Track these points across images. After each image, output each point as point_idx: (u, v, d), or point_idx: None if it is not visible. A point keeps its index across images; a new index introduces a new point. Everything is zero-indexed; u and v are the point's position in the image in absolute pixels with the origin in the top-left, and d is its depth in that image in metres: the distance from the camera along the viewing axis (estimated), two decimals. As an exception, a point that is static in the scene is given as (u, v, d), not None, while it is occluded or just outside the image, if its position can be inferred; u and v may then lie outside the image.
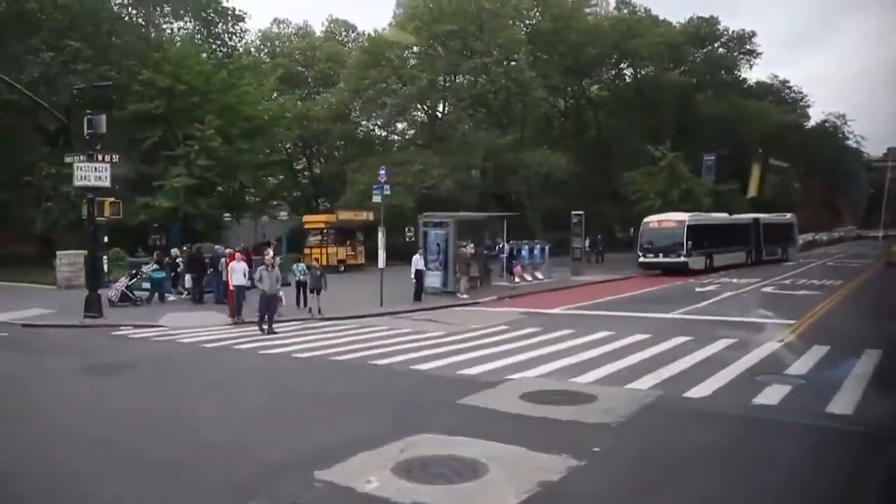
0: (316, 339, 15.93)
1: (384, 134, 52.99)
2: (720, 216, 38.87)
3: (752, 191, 53.72)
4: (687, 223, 33.00)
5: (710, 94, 57.61)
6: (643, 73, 54.38)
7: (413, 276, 23.85)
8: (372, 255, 27.82)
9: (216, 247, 25.28)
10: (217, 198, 41.39)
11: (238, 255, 19.84)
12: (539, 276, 31.09)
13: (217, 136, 40.23)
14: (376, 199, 22.93)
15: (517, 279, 27.87)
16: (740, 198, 51.26)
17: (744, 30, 57.82)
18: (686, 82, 53.30)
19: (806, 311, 19.20)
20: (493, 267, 28.80)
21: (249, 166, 43.65)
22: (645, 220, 35.20)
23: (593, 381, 11.07)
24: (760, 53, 57.83)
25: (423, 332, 16.92)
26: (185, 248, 26.28)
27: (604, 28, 53.37)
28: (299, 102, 49.68)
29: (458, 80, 45.49)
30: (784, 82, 71.66)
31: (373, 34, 48.25)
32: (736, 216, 40.22)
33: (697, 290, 26.14)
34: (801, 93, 71.66)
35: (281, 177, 52.91)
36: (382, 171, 23.07)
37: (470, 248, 25.71)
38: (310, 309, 20.27)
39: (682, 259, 32.54)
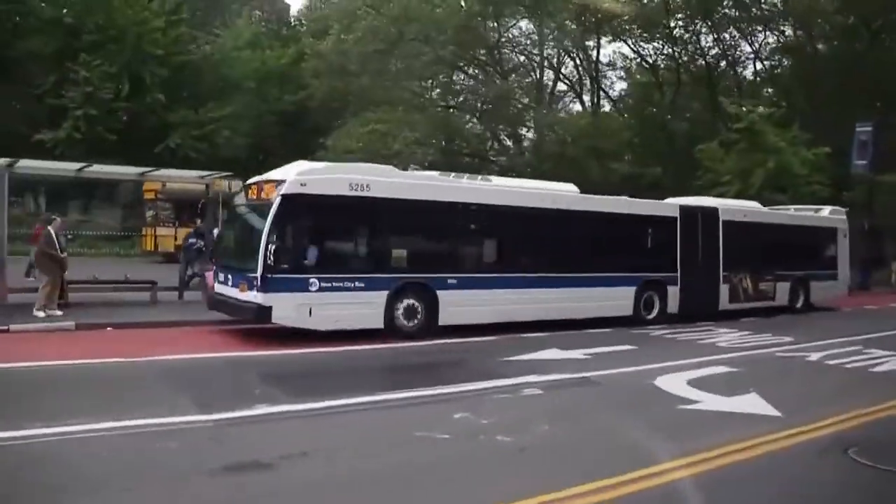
0: None
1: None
2: (470, 183, 13.94)
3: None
4: (283, 192, 10.87)
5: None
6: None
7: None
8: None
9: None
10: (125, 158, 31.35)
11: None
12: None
13: (110, 82, 30.93)
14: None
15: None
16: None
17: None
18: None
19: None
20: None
21: (186, 126, 33.56)
22: (247, 183, 12.94)
23: None
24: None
25: None
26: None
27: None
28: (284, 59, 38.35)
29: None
30: None
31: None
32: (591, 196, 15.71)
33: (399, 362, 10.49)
34: None
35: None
36: None
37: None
38: None
39: (253, 298, 10.85)
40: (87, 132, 30.72)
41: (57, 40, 31.28)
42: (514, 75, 39.51)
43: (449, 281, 12.40)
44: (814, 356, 11.17)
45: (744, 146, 25.05)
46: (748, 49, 40.56)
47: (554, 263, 14.09)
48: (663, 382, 8.87)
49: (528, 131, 38.64)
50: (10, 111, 32.44)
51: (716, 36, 39.26)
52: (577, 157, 35.23)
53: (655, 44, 39.96)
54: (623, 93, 43.78)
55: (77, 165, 15.04)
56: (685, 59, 40.57)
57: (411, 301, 12.02)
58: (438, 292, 12.22)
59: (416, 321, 12.11)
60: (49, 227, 12.96)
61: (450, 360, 10.63)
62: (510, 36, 37.89)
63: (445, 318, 12.27)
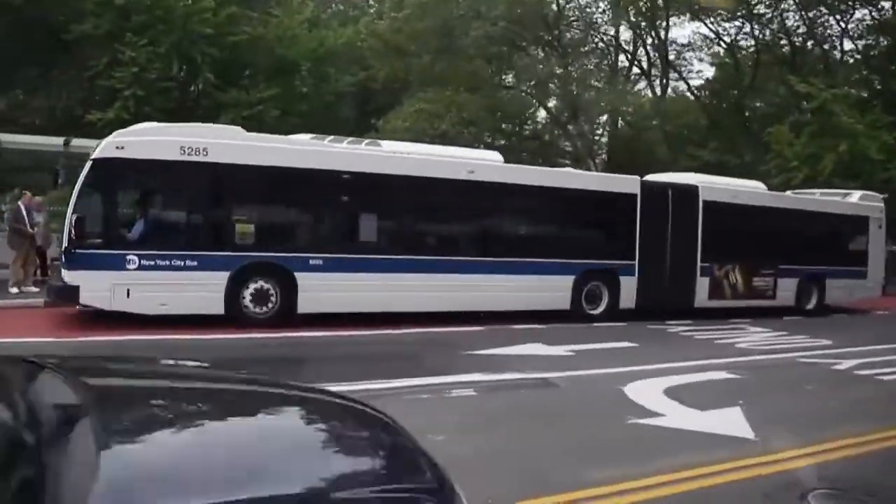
0: None
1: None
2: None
3: None
4: (95, 156, 9.51)
5: None
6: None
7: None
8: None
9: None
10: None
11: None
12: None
13: (158, 62, 30.95)
14: None
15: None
16: None
17: None
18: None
19: None
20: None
21: (238, 107, 33.31)
22: None
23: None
24: None
25: None
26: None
27: None
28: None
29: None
30: None
31: None
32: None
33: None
34: None
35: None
36: None
37: None
38: None
39: (67, 279, 9.61)
40: (136, 112, 30.77)
41: (109, 22, 31.47)
42: (589, 58, 37.44)
43: (311, 262, 10.52)
44: (844, 364, 9.35)
45: (815, 128, 22.47)
46: (837, 28, 37.25)
47: (461, 245, 12.14)
48: (634, 389, 7.39)
49: (597, 115, 36.64)
50: (67, 93, 33.03)
51: (802, 13, 36.04)
52: (647, 141, 33.35)
53: (737, 22, 37.10)
54: (701, 75, 40.92)
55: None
56: (767, 37, 37.41)
57: (261, 284, 10.27)
58: (297, 274, 10.36)
59: (269, 307, 10.34)
60: (19, 203, 12.56)
61: (377, 353, 9.49)
62: (574, 13, 35.87)
63: (306, 304, 10.44)
